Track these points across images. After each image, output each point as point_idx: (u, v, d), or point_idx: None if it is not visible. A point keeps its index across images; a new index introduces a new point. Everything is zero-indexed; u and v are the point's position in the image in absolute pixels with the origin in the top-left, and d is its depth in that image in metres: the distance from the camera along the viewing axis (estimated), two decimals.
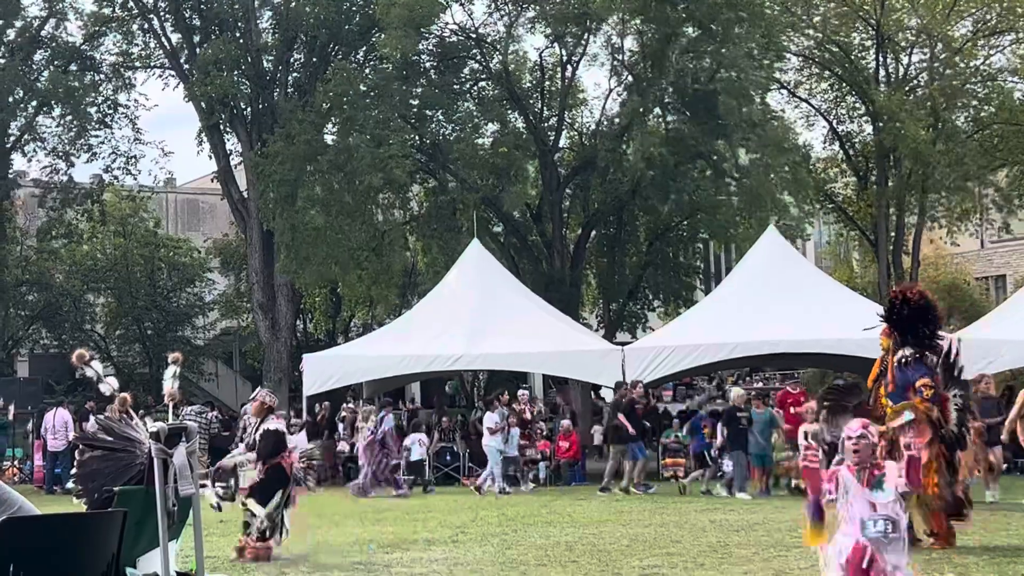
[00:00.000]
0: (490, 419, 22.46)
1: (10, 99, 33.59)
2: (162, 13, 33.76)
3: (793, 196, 29.93)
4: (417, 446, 23.77)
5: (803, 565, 11.26)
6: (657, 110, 31.39)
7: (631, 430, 21.40)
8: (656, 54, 29.73)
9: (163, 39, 34.03)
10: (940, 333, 12.92)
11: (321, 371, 25.12)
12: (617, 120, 31.55)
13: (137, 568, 7.02)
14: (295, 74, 33.74)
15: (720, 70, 28.94)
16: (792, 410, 21.23)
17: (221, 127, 33.50)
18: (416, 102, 31.48)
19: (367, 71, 32.78)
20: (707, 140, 29.52)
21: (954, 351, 12.85)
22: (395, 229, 31.24)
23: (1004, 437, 16.19)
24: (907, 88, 33.09)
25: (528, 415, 22.89)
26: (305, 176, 29.62)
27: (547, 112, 32.81)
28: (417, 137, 31.58)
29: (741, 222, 30.66)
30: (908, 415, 11.93)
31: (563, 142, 33.52)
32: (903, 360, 12.43)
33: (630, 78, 31.50)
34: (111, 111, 35.03)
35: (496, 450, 22.00)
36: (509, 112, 32.22)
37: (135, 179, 36.35)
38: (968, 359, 21.67)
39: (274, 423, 12.97)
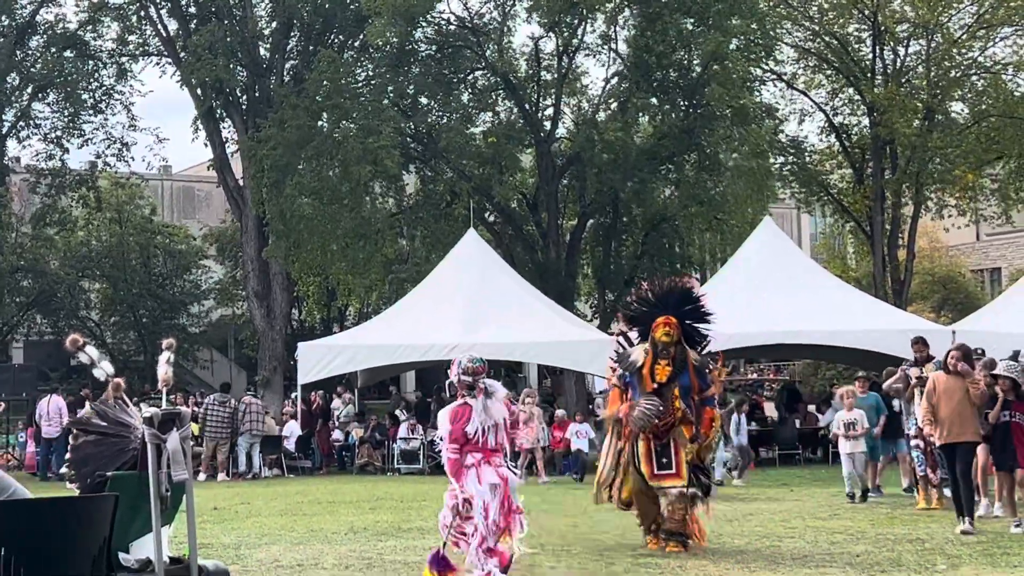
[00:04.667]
0: None
1: (6, 85, 33.56)
2: (159, 1, 33.70)
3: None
4: (577, 437, 22.83)
5: (795, 554, 11.29)
6: (654, 100, 31.53)
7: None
8: (648, 44, 29.84)
9: (160, 26, 33.97)
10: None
11: (316, 360, 25.10)
12: (603, 109, 31.73)
13: (130, 553, 7.02)
14: (292, 61, 33.69)
15: (711, 63, 29.20)
16: None
17: (217, 114, 33.47)
18: (412, 90, 31.51)
19: (363, 59, 32.77)
20: (699, 131, 29.82)
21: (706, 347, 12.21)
22: (385, 219, 31.18)
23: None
24: (903, 80, 33.09)
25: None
26: (296, 163, 29.62)
27: (544, 102, 32.80)
28: (412, 126, 31.59)
29: (726, 217, 30.98)
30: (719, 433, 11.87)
31: (560, 131, 33.54)
32: (698, 363, 11.90)
33: (623, 68, 31.58)
34: (105, 97, 35.00)
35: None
36: (503, 101, 32.27)
37: (128, 165, 36.33)
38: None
39: None
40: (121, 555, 6.80)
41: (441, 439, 9.34)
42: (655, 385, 11.71)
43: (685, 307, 12.12)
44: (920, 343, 16.22)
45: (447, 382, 9.20)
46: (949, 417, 12.79)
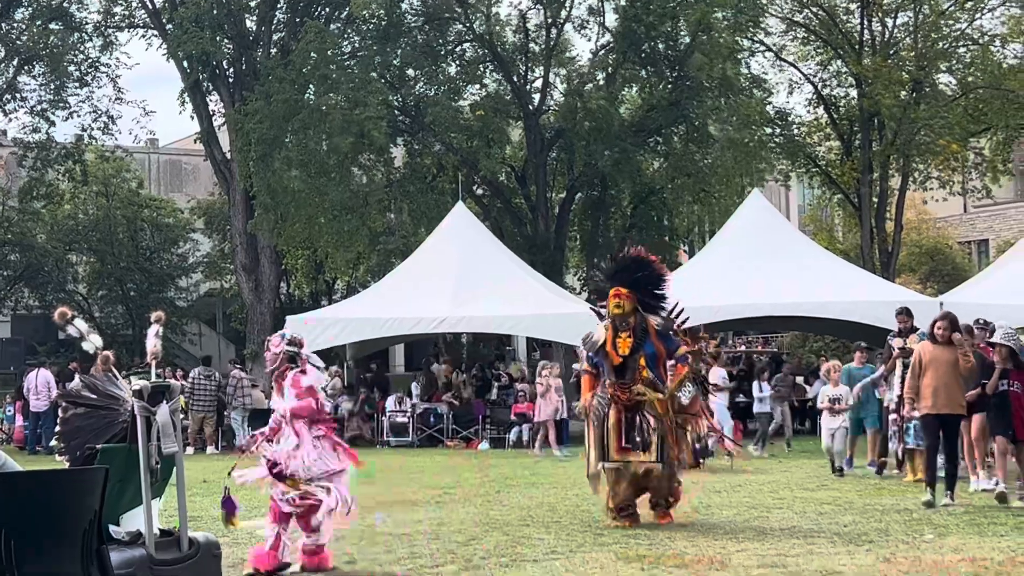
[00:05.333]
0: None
1: None
2: None
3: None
4: None
5: (784, 525, 11.34)
6: (643, 72, 31.49)
7: None
8: (637, 14, 29.78)
9: None
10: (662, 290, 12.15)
11: (304, 333, 24.98)
12: (590, 80, 31.65)
13: (120, 526, 7.03)
14: (278, 34, 33.48)
15: (699, 34, 29.21)
16: None
17: (203, 87, 33.28)
18: (398, 62, 31.38)
19: (349, 31, 32.60)
20: (687, 103, 29.84)
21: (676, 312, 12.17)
22: (374, 192, 31.08)
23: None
24: (891, 52, 33.03)
25: None
26: (283, 136, 29.49)
27: (532, 75, 32.71)
28: (399, 98, 31.47)
29: (714, 189, 31.05)
30: (690, 387, 11.80)
31: (548, 103, 33.44)
32: (660, 328, 11.77)
33: (611, 40, 31.51)
34: (91, 69, 34.76)
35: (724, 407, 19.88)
36: (491, 74, 32.16)
37: (115, 139, 36.14)
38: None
39: None
40: (111, 528, 6.80)
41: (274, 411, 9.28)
42: (620, 358, 11.67)
43: (635, 276, 12.03)
44: (904, 314, 16.08)
45: (275, 353, 8.93)
46: (935, 387, 12.53)
